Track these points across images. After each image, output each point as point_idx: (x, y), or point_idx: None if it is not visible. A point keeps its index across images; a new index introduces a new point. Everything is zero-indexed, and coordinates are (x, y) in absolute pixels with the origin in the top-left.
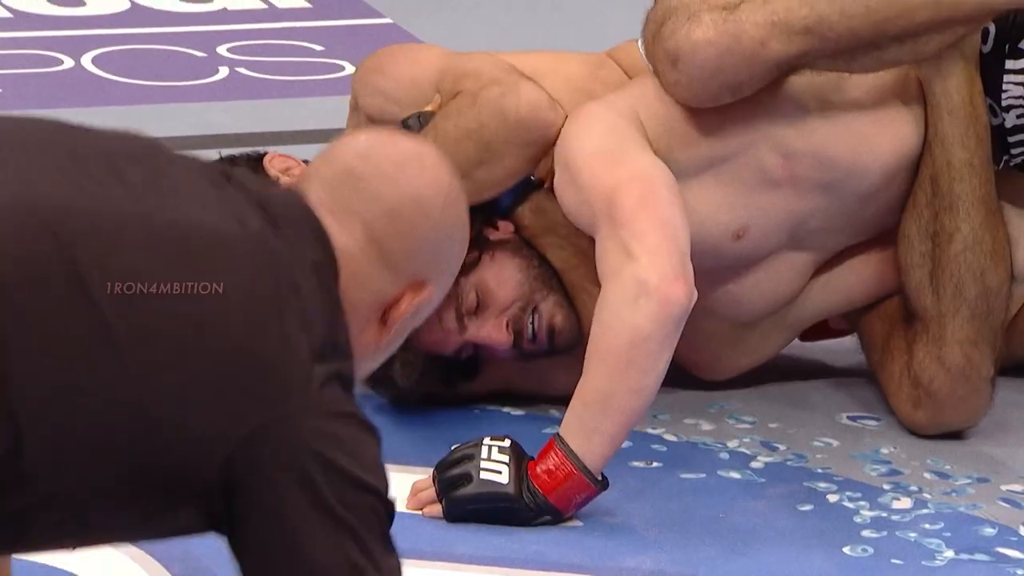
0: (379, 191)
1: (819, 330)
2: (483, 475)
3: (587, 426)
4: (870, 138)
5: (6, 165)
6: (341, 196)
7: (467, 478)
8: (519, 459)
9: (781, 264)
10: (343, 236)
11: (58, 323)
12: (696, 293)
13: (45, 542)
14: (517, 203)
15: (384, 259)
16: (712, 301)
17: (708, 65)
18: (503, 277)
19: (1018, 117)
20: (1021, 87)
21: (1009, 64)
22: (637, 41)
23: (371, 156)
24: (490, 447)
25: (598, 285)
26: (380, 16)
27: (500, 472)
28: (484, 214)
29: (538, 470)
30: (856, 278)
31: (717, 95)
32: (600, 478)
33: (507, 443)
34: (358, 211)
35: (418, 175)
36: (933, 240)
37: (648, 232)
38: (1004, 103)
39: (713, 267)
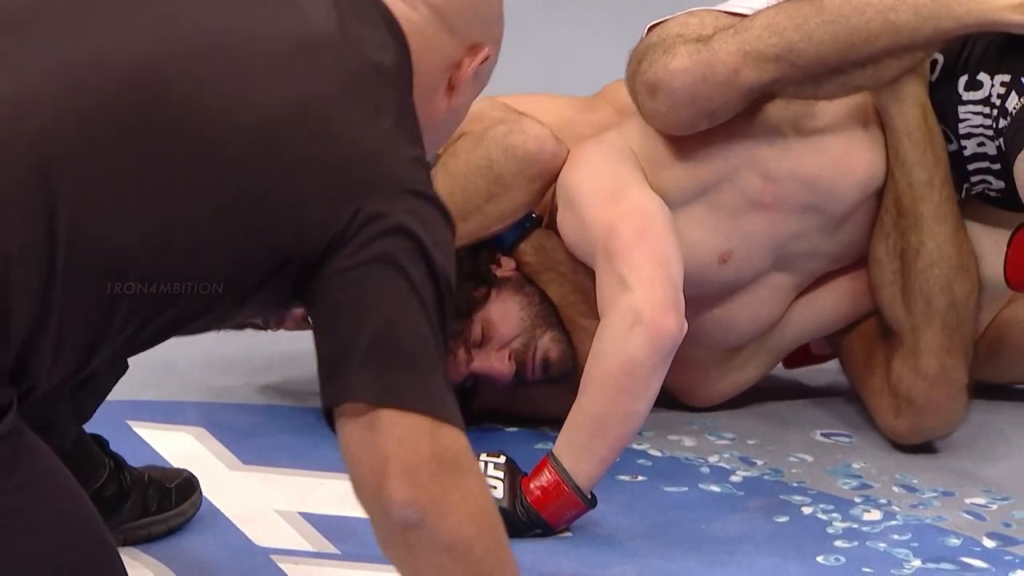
0: None
1: (801, 357)
2: None
3: (579, 447)
4: (844, 160)
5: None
6: None
7: None
8: (513, 474)
9: (764, 289)
10: (408, 12)
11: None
12: (687, 324)
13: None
14: (519, 240)
15: (445, 24)
16: (698, 327)
17: (684, 93)
18: (506, 314)
19: (978, 145)
20: (980, 116)
21: (967, 96)
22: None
23: None
24: (486, 463)
25: (593, 319)
26: None
27: (495, 488)
28: (489, 251)
29: (532, 486)
30: (832, 303)
31: (695, 121)
32: (590, 496)
33: (502, 459)
34: None
35: None
36: (901, 258)
37: (643, 265)
38: (962, 131)
39: (699, 294)
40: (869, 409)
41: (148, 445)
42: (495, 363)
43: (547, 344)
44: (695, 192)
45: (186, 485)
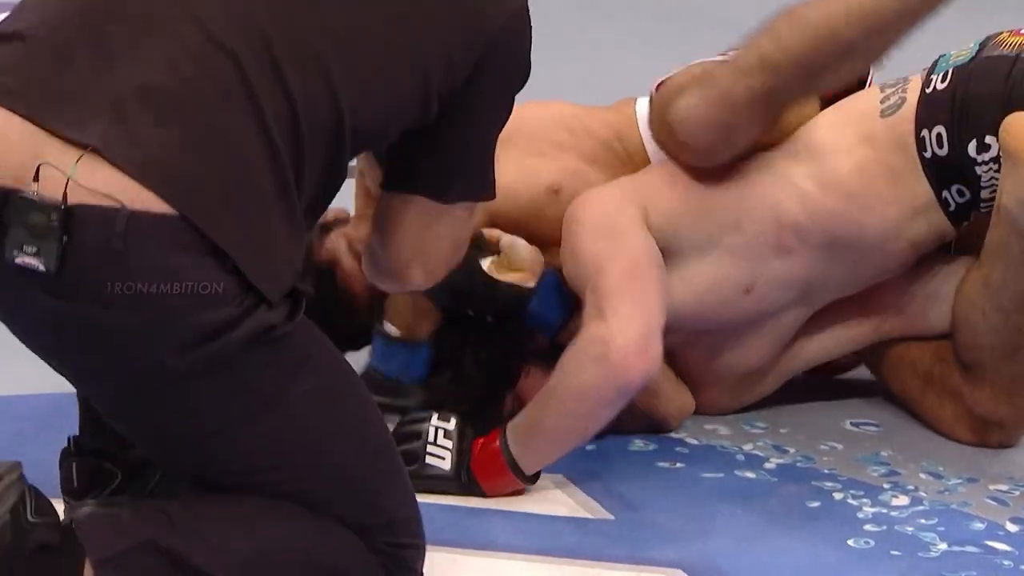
0: None
1: (824, 367)
2: (428, 459)
3: (528, 438)
4: (860, 204)
5: None
6: None
7: (414, 457)
8: (463, 439)
9: (785, 320)
10: None
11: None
12: (657, 371)
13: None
14: (563, 327)
15: None
16: (718, 355)
17: (700, 122)
18: (538, 391)
19: (991, 193)
20: (993, 172)
21: (980, 157)
22: (634, 101)
23: None
24: (437, 429)
25: None
26: None
27: (443, 459)
28: (528, 331)
29: (478, 454)
30: (843, 331)
31: (716, 146)
32: (531, 475)
33: (452, 425)
34: None
35: None
36: (994, 291)
37: (623, 305)
38: (982, 185)
39: (722, 324)
40: (936, 422)
41: None
42: None
43: None
44: (718, 235)
45: None
